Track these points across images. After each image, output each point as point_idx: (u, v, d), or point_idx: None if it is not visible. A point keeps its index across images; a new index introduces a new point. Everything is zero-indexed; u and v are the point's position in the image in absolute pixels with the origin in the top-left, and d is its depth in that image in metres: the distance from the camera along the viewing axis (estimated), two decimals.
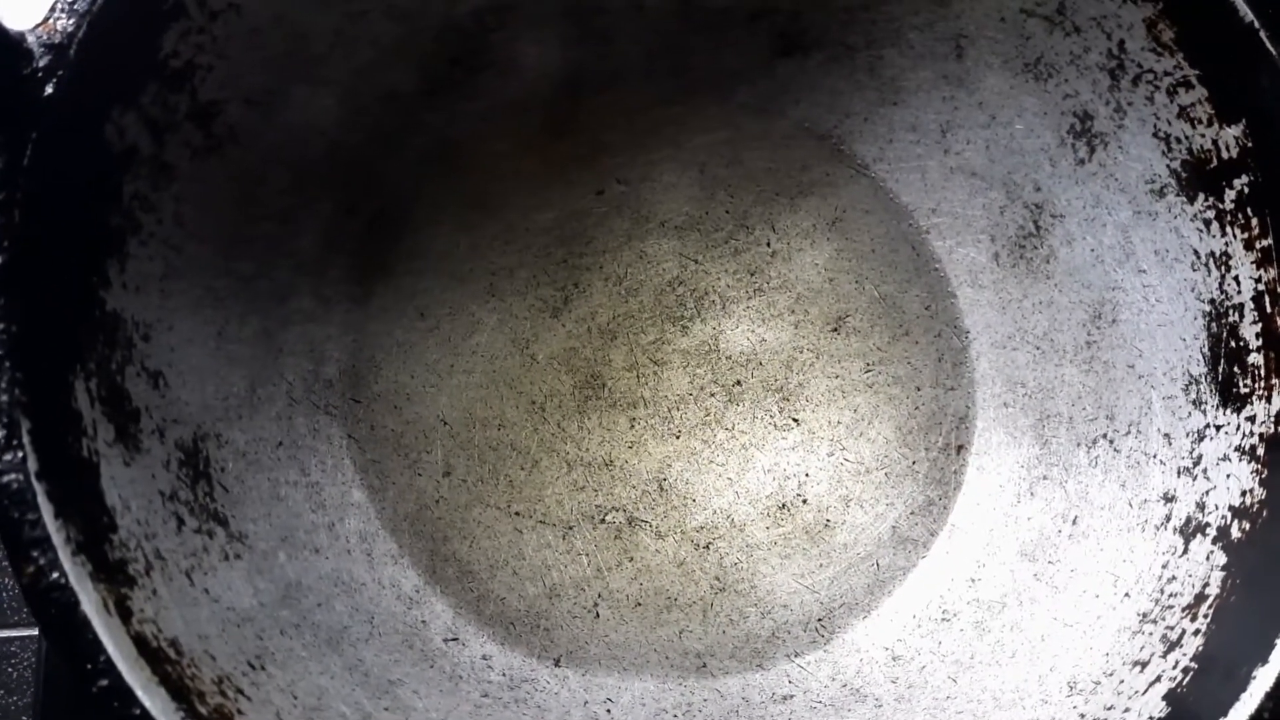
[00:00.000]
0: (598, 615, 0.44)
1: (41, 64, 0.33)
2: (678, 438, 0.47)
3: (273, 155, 0.42)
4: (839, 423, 0.47)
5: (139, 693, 0.30)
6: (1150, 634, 0.38)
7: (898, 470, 0.46)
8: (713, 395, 0.48)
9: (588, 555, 0.45)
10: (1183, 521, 0.39)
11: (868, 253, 0.48)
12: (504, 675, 0.43)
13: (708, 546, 0.46)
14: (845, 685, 0.43)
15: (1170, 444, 0.41)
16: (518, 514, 0.46)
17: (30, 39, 0.33)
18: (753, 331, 0.48)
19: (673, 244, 0.49)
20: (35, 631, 0.51)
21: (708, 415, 0.47)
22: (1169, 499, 0.40)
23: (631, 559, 0.45)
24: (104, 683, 0.30)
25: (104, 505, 0.33)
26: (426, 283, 0.47)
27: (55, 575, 0.30)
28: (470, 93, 0.47)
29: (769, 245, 0.49)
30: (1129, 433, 0.42)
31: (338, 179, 0.45)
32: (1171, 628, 0.38)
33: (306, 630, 0.39)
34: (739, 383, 0.48)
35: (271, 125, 0.42)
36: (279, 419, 0.43)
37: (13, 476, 0.30)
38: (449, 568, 0.44)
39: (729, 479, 0.47)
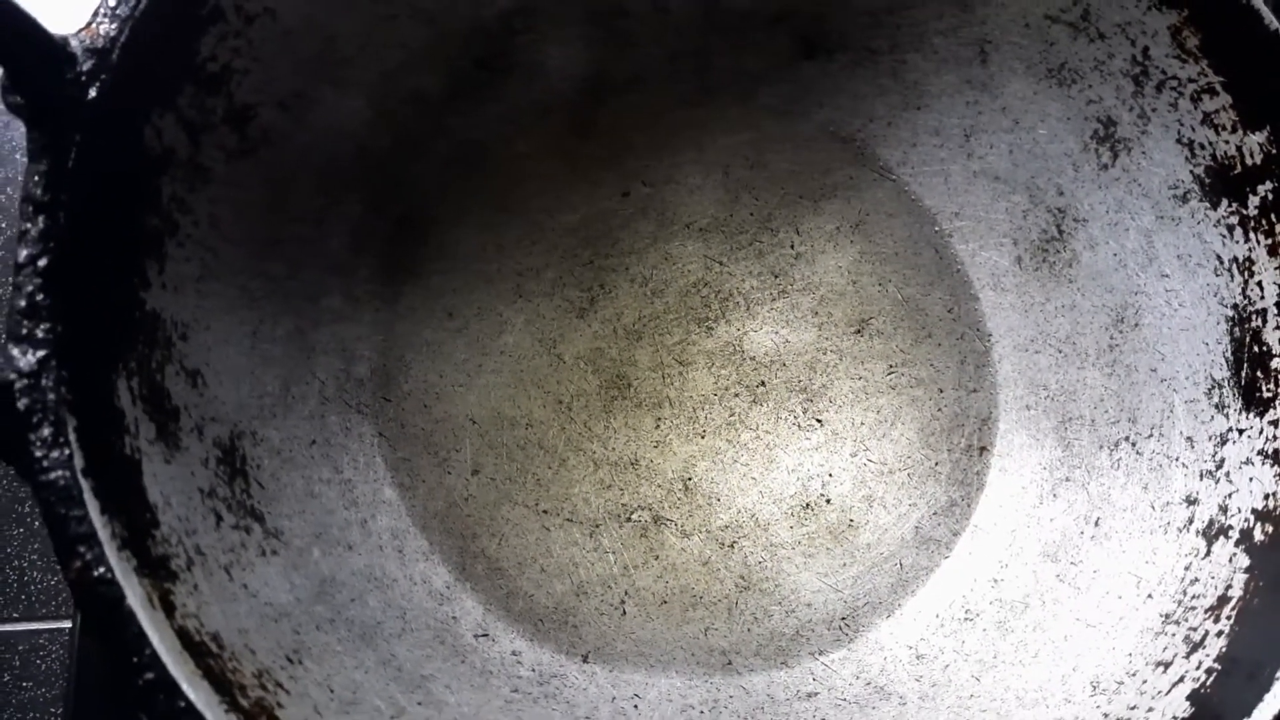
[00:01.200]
0: (624, 612, 0.45)
1: (85, 68, 0.34)
2: (703, 437, 0.48)
3: (303, 158, 0.43)
4: (862, 423, 0.48)
5: (184, 685, 0.30)
6: (1173, 635, 0.38)
7: (920, 471, 0.47)
8: (737, 396, 0.48)
9: (614, 553, 0.46)
10: (1205, 524, 0.40)
11: (891, 255, 0.49)
12: (533, 671, 0.43)
13: (732, 545, 0.46)
14: (869, 683, 0.43)
15: (1193, 447, 0.41)
16: (545, 512, 0.46)
17: (74, 43, 0.34)
18: (776, 333, 0.49)
19: (697, 246, 0.49)
20: (65, 624, 0.51)
21: (732, 415, 0.48)
22: (1191, 501, 0.41)
23: (657, 557, 0.46)
24: (149, 676, 0.30)
25: (146, 502, 0.34)
26: (454, 283, 0.48)
27: (101, 570, 0.31)
28: (496, 95, 0.48)
29: (793, 247, 0.49)
30: (1151, 435, 0.43)
31: (366, 181, 0.45)
32: (1194, 629, 0.38)
33: (341, 625, 0.39)
34: (763, 383, 0.48)
35: (302, 128, 0.43)
36: (312, 417, 0.43)
37: (60, 473, 0.31)
38: (478, 565, 0.45)
39: (753, 478, 0.47)
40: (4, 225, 0.53)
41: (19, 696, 0.50)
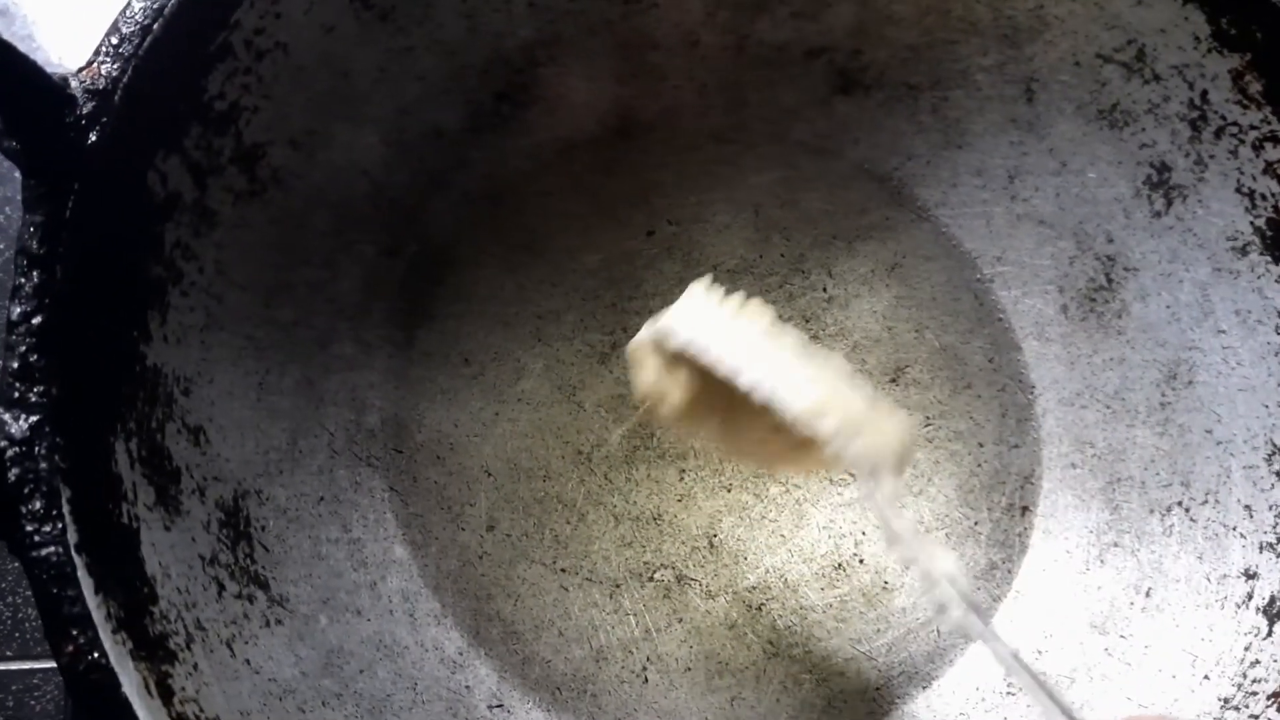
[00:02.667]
0: (646, 680, 0.43)
1: (85, 110, 0.32)
2: (729, 491, 0.46)
3: (315, 198, 0.41)
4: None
5: None
6: None
7: (959, 531, 0.45)
8: None
9: (635, 615, 0.44)
10: (1266, 601, 0.38)
11: (928, 301, 0.47)
12: None
13: (760, 608, 0.44)
14: None
15: (1251, 516, 0.39)
16: (563, 571, 0.44)
17: (74, 84, 0.32)
18: None
19: (725, 288, 0.47)
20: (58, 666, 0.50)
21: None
22: (1250, 575, 0.38)
23: (681, 620, 0.44)
24: None
25: (144, 575, 0.32)
26: (470, 327, 0.46)
27: (95, 655, 0.29)
28: (517, 130, 0.46)
29: (825, 291, 0.47)
30: (1206, 502, 0.40)
31: (380, 220, 0.44)
32: (1256, 716, 0.36)
33: (349, 700, 0.37)
34: None
35: (315, 166, 0.41)
36: (320, 473, 0.41)
37: (52, 549, 0.29)
38: (493, 628, 0.43)
39: (782, 536, 0.45)
40: (2, 246, 0.52)
41: None
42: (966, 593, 0.30)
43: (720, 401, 0.37)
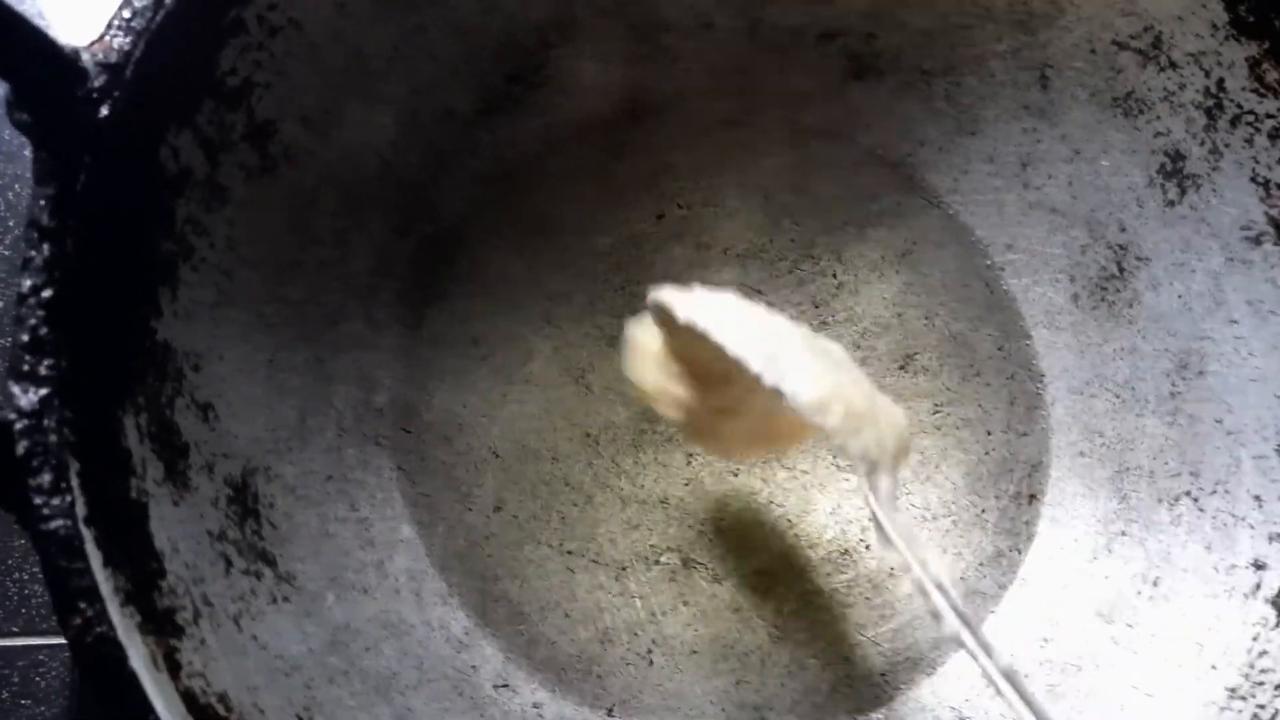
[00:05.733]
0: (651, 662, 0.43)
1: (97, 84, 0.32)
2: (735, 476, 0.46)
3: (326, 176, 0.41)
4: None
5: None
6: (1240, 711, 0.36)
7: (966, 518, 0.45)
8: None
9: (641, 598, 0.44)
10: (1275, 592, 0.37)
11: (938, 288, 0.46)
12: None
13: (766, 592, 0.44)
14: None
15: (1261, 507, 0.39)
16: (570, 553, 0.44)
17: (85, 57, 0.32)
18: None
19: (734, 272, 0.47)
20: (65, 640, 0.50)
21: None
22: (1259, 566, 0.38)
23: (686, 603, 0.44)
24: None
25: (152, 549, 0.32)
26: (480, 307, 0.46)
27: (103, 628, 0.29)
28: (529, 111, 0.46)
29: (835, 276, 0.47)
30: (1215, 492, 0.40)
31: (391, 200, 0.44)
32: (1263, 706, 0.36)
33: (355, 677, 0.37)
34: None
35: (326, 145, 0.41)
36: (328, 451, 0.41)
37: (60, 523, 0.29)
38: (499, 609, 0.43)
39: (789, 521, 0.45)
40: (12, 223, 0.52)
41: (18, 714, 0.48)
42: (958, 604, 0.30)
43: (713, 398, 0.37)
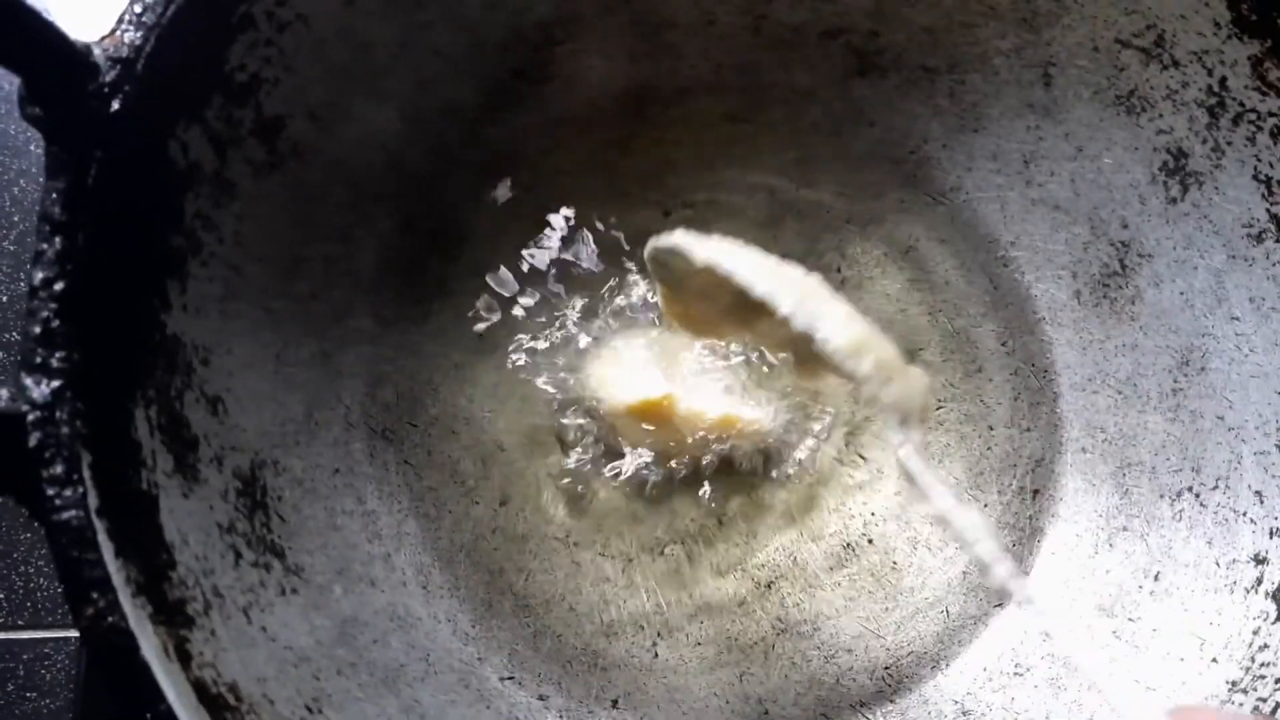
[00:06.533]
0: (656, 655, 0.43)
1: (108, 78, 0.32)
2: (738, 470, 0.46)
3: (333, 171, 0.41)
4: None
5: None
6: (1240, 705, 0.36)
7: None
8: None
9: (646, 591, 0.44)
10: (1276, 586, 0.38)
11: (942, 284, 0.47)
12: (561, 717, 0.42)
13: (769, 585, 0.44)
14: None
15: (1262, 502, 0.39)
16: (575, 546, 0.44)
17: (96, 52, 0.32)
18: None
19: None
20: (72, 634, 0.50)
21: None
22: (1260, 561, 0.38)
23: (691, 596, 0.44)
24: None
25: (163, 541, 0.32)
26: (484, 303, 0.46)
27: (115, 618, 0.29)
28: (533, 106, 0.46)
29: (839, 272, 0.47)
30: (1216, 487, 0.40)
31: (397, 195, 0.44)
32: (1264, 699, 0.36)
33: (363, 669, 0.38)
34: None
35: (333, 140, 0.41)
36: (336, 444, 0.41)
37: (73, 514, 0.29)
38: (505, 601, 0.43)
39: (792, 515, 0.45)
40: (17, 219, 0.52)
41: (23, 707, 0.48)
42: (1000, 551, 0.29)
43: (734, 318, 0.35)
